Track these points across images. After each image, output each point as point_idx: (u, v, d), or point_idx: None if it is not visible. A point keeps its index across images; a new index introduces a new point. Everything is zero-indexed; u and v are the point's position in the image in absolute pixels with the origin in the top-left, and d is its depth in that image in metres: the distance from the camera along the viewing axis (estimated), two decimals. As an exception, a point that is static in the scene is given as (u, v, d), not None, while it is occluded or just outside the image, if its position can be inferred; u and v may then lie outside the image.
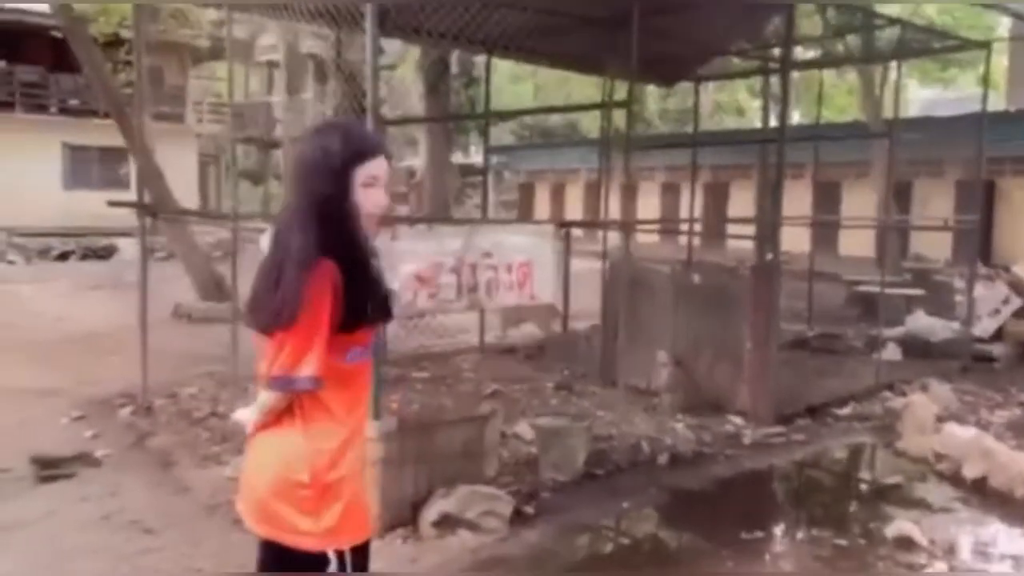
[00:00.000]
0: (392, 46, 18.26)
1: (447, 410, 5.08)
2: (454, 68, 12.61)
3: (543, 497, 4.69)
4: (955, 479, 5.15)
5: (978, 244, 9.17)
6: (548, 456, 4.96)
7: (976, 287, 9.31)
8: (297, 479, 1.92)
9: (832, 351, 9.07)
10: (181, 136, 21.62)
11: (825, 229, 20.09)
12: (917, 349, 8.78)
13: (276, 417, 1.97)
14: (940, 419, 6.17)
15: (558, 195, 29.28)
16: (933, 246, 17.13)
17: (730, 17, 8.76)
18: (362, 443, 2.11)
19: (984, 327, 8.69)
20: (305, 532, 1.92)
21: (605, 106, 7.71)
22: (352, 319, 1.93)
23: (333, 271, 1.86)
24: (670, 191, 25.00)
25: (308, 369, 1.88)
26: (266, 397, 1.95)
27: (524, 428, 5.70)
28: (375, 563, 3.83)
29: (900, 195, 18.32)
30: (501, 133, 36.92)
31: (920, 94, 30.91)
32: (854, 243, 18.21)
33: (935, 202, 18.15)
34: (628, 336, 7.41)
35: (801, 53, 14.83)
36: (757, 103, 27.90)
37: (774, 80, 10.26)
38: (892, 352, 8.77)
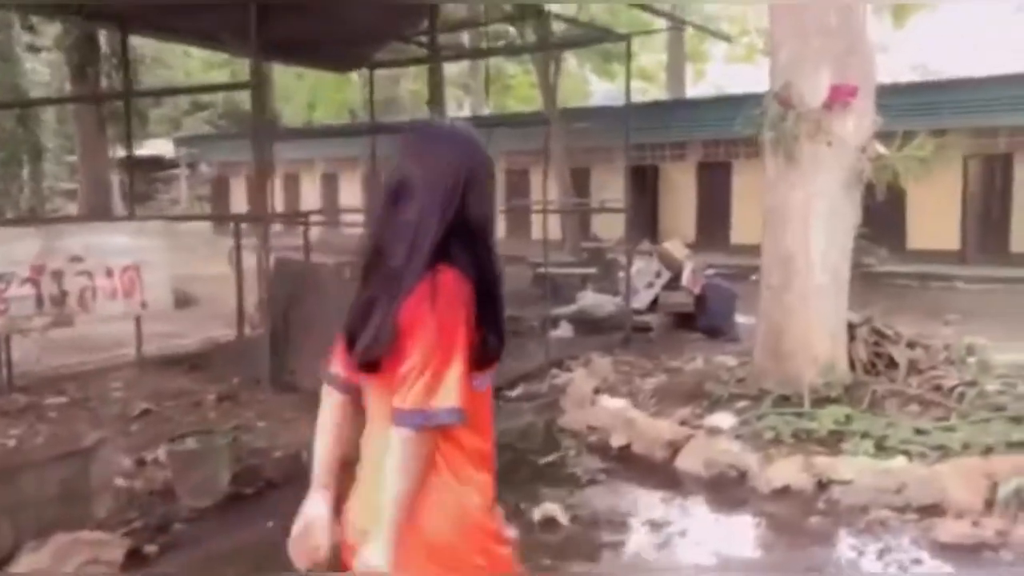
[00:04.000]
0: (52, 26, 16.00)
1: (36, 448, 4.35)
2: (104, 48, 11.25)
3: (176, 529, 4.17)
4: (604, 450, 5.40)
5: (634, 223, 9.88)
6: (185, 482, 4.43)
7: (637, 263, 10.09)
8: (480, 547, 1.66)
9: (511, 333, 9.32)
10: None
11: (521, 215, 21.05)
12: (587, 325, 9.31)
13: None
14: (597, 392, 6.50)
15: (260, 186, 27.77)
16: (611, 227, 18.53)
17: (395, 3, 8.61)
18: None
19: (641, 300, 9.40)
20: None
21: (231, 88, 7.17)
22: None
23: (465, 284, 1.64)
24: (330, 182, 25.28)
25: (449, 399, 1.57)
26: (409, 444, 1.58)
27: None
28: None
29: (580, 181, 19.66)
30: (196, 123, 34.13)
31: (601, 85, 33.31)
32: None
33: (610, 186, 19.65)
34: (300, 336, 7.00)
35: (478, 42, 15.22)
36: (452, 92, 28.45)
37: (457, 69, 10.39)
38: (564, 330, 9.22)
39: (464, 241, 1.68)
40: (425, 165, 1.69)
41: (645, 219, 19.29)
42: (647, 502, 4.61)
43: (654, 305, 9.51)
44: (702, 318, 9.26)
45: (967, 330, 8.49)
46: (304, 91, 27.50)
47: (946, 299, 12.26)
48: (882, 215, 15.20)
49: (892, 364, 6.36)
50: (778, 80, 6.09)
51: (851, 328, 6.40)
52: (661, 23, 15.87)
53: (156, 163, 32.58)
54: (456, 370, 1.60)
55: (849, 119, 5.98)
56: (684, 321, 9.50)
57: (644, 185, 19.77)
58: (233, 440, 4.70)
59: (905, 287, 13.67)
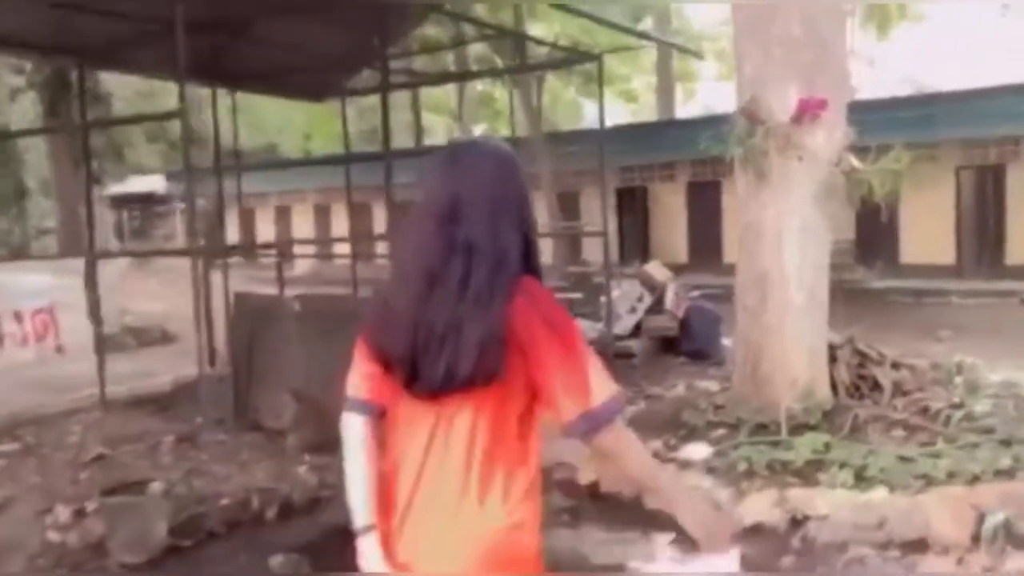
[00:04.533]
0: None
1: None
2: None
3: (102, 589, 3.91)
4: (570, 487, 5.11)
5: (623, 246, 9.67)
6: (117, 536, 4.17)
7: (621, 286, 9.85)
8: None
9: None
10: None
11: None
12: (568, 352, 9.03)
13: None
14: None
15: (247, 221, 27.63)
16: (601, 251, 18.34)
17: (363, 28, 8.46)
18: None
19: (624, 325, 9.13)
20: None
21: (161, 118, 7.00)
22: None
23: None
24: (323, 213, 25.32)
25: (608, 388, 1.64)
26: (607, 438, 1.64)
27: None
28: None
29: (570, 204, 19.48)
30: (204, 157, 33.77)
31: (595, 108, 33.06)
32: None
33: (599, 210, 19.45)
34: (261, 373, 6.77)
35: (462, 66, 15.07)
36: (438, 118, 28.43)
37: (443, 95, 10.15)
38: (546, 357, 8.95)
39: (526, 252, 1.70)
40: (491, 181, 1.68)
41: (635, 241, 19.10)
42: (612, 543, 4.33)
43: (637, 330, 9.24)
44: (686, 342, 8.99)
45: (960, 347, 8.23)
46: (300, 122, 27.51)
47: (940, 315, 12.00)
48: (875, 229, 15.06)
49: (876, 386, 6.10)
50: (744, 94, 5.89)
51: (832, 349, 6.14)
52: (635, 41, 15.71)
53: (149, 199, 32.52)
54: (596, 362, 1.63)
55: (819, 132, 5.75)
56: (669, 345, 9.23)
57: (634, 207, 19.61)
58: (166, 491, 4.44)
59: (898, 303, 13.40)
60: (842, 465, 4.70)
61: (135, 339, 11.41)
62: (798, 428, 5.38)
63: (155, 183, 31.13)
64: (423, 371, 1.62)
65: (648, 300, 9.28)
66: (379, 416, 1.76)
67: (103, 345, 7.69)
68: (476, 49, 15.01)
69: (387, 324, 1.68)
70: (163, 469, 5.60)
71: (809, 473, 4.72)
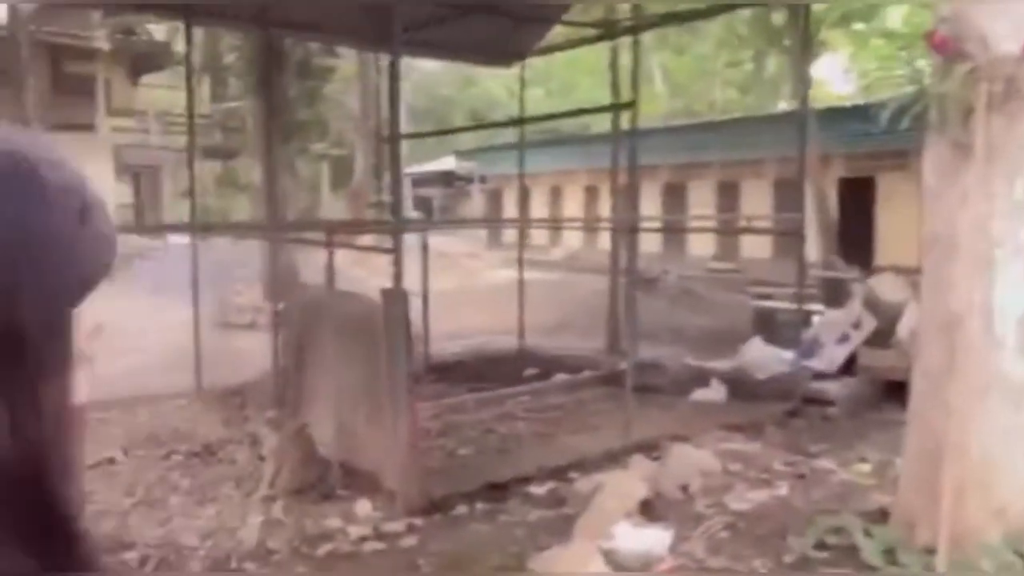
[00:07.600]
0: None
1: None
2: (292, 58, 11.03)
3: None
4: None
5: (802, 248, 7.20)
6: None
7: (846, 305, 7.36)
8: None
9: (648, 389, 7.10)
10: (89, 146, 19.81)
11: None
12: (747, 387, 6.84)
13: None
14: (647, 506, 4.36)
15: (526, 201, 27.35)
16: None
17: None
18: None
19: (829, 358, 6.69)
20: None
21: None
22: None
23: None
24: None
25: None
26: None
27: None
28: None
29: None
30: (488, 135, 34.39)
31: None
32: (759, 246, 16.14)
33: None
34: (315, 383, 5.70)
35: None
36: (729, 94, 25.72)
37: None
38: (714, 391, 6.86)
39: None
40: None
41: (858, 242, 15.21)
42: None
43: (851, 367, 6.74)
44: (916, 391, 6.34)
45: None
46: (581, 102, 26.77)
47: None
48: None
49: None
50: (940, 15, 3.50)
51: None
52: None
53: (447, 178, 33.79)
54: None
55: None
56: (897, 392, 6.61)
57: (862, 199, 16.01)
58: None
59: None
60: None
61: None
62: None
63: (451, 163, 32.21)
64: None
65: (869, 327, 6.72)
66: None
67: (199, 327, 7.26)
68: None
69: None
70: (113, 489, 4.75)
71: None
